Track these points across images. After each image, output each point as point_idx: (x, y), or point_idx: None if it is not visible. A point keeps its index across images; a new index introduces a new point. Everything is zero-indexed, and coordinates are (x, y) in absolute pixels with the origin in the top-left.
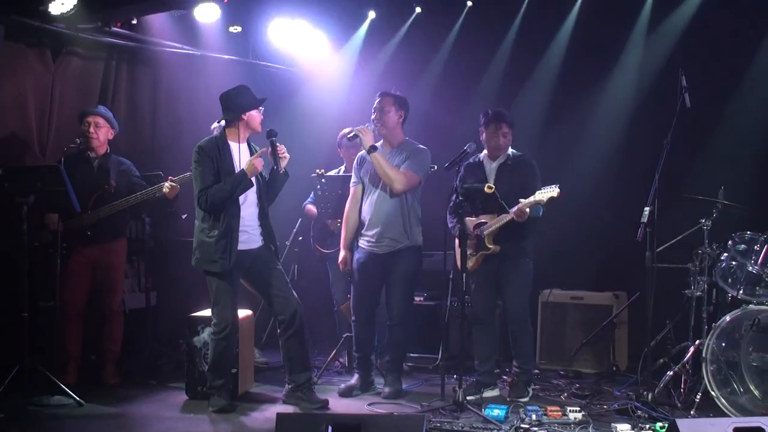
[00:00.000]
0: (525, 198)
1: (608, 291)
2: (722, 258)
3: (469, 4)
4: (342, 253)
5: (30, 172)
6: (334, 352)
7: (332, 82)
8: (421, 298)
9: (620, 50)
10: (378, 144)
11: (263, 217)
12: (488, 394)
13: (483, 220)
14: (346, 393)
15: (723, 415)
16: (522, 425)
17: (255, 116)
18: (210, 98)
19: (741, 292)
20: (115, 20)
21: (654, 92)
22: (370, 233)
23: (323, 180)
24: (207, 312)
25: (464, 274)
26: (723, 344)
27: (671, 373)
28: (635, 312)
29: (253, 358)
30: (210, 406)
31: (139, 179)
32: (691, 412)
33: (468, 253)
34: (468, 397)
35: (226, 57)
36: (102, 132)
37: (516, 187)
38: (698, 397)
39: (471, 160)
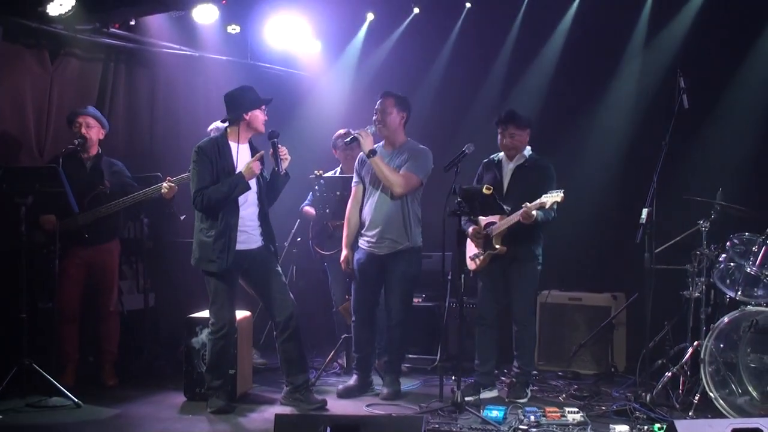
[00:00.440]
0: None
1: (607, 292)
2: (720, 259)
3: (468, 5)
4: (344, 252)
5: (28, 173)
6: (332, 353)
7: (330, 83)
8: (420, 299)
9: (621, 51)
10: (379, 145)
11: (263, 217)
12: (486, 394)
13: (493, 220)
14: (345, 394)
15: (721, 416)
16: (521, 426)
17: (257, 116)
18: (208, 99)
19: (739, 293)
20: (113, 21)
21: (654, 94)
22: (370, 233)
23: (322, 181)
24: (205, 313)
25: (462, 275)
26: (721, 345)
27: (669, 374)
28: (634, 313)
29: (251, 360)
30: (208, 407)
31: (131, 180)
32: (690, 414)
33: (476, 252)
34: (466, 398)
35: (225, 58)
36: (93, 132)
37: (530, 189)
38: (696, 398)
39: (492, 158)
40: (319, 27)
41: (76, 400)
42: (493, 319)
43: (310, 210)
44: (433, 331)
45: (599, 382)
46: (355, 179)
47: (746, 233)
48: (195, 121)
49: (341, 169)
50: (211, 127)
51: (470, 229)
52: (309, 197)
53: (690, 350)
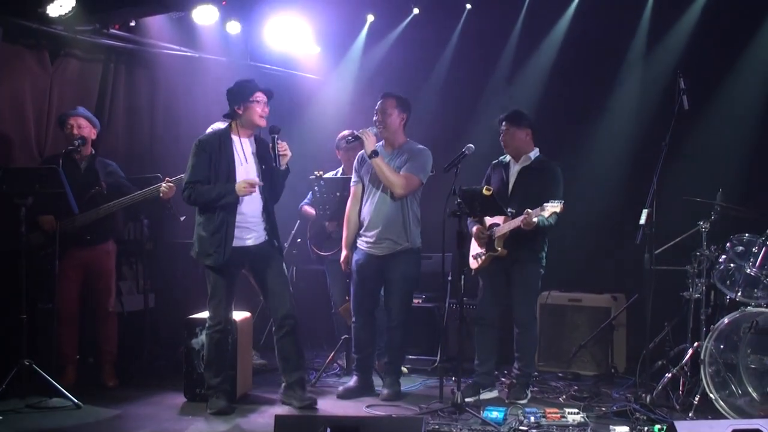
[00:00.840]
0: (540, 203)
1: (607, 293)
2: (720, 260)
3: (468, 6)
4: (344, 253)
5: (28, 173)
6: (332, 353)
7: (331, 84)
8: (420, 300)
9: (623, 51)
10: (379, 145)
11: (267, 212)
12: (486, 395)
13: (497, 221)
14: (345, 395)
15: (721, 417)
16: (521, 427)
17: (252, 108)
18: (208, 100)
19: (739, 294)
20: (113, 22)
21: (655, 95)
22: (369, 234)
23: (322, 182)
24: (205, 314)
25: (462, 276)
26: (721, 346)
27: (670, 375)
28: (634, 314)
29: (251, 361)
30: (208, 408)
31: (126, 180)
32: (690, 414)
33: (479, 251)
34: (467, 399)
35: (224, 59)
36: (85, 132)
37: (534, 191)
38: (697, 399)
39: (501, 159)
40: (319, 28)
41: (76, 400)
42: (492, 318)
43: (309, 209)
44: (433, 332)
45: (599, 383)
46: (354, 178)
47: (746, 234)
48: (194, 122)
49: (343, 170)
50: (209, 129)
51: (474, 229)
52: (309, 196)
53: (690, 351)
